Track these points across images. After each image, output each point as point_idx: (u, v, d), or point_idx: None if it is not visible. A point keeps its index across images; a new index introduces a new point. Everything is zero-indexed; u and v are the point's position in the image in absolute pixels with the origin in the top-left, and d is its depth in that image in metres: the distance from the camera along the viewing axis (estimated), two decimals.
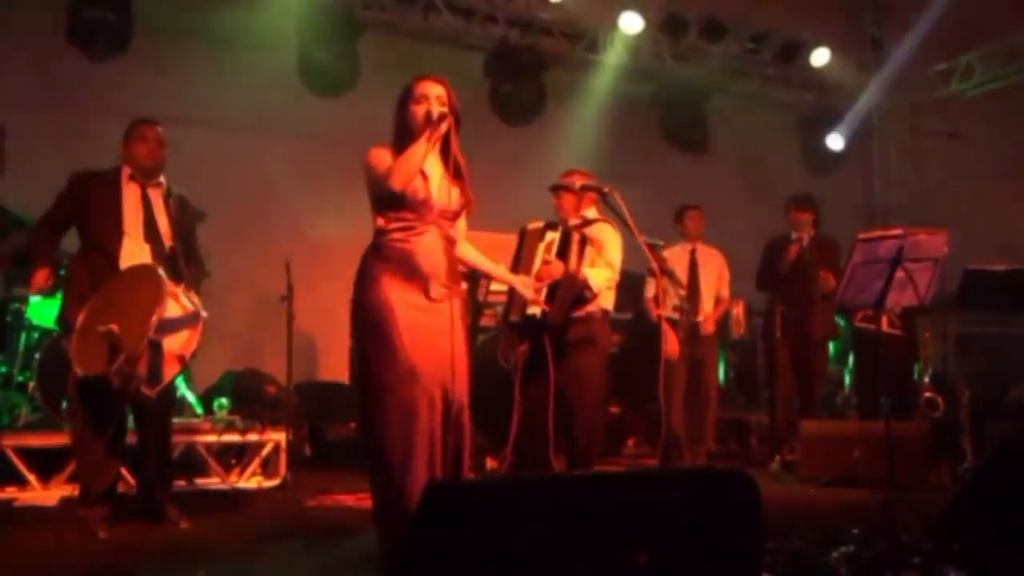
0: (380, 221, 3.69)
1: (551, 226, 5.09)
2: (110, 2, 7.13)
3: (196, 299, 4.34)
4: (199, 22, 7.76)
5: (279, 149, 7.98)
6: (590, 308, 5.08)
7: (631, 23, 8.88)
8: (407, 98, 3.70)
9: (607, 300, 5.18)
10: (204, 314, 4.28)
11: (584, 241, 4.97)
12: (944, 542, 3.64)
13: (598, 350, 5.12)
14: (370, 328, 3.59)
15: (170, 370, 4.19)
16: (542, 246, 5.05)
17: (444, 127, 3.62)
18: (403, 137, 3.66)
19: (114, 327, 4.03)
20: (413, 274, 3.61)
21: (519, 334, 5.14)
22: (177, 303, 4.20)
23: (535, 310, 4.90)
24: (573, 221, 5.16)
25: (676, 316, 6.53)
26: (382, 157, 3.65)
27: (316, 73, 7.90)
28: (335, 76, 7.91)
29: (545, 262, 4.95)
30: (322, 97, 7.98)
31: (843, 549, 3.73)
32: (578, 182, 5.13)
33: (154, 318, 4.01)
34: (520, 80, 8.75)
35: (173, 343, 4.19)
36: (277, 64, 7.83)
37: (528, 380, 5.05)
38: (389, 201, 3.63)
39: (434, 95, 3.66)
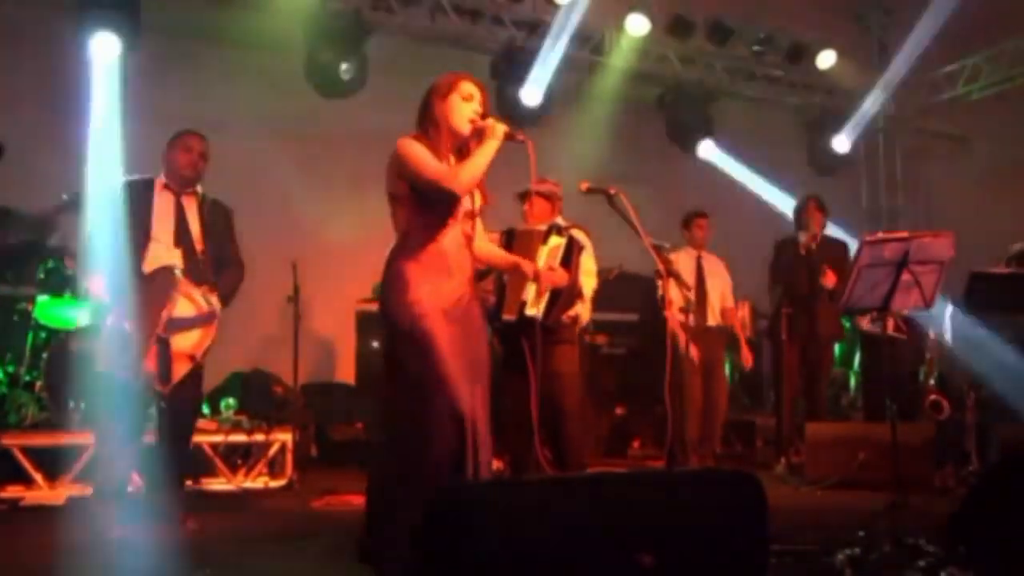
0: (411, 220, 3.53)
1: (556, 230, 5.11)
2: (118, 3, 7.15)
3: (215, 300, 4.41)
4: (206, 23, 7.78)
5: (286, 150, 8.00)
6: (570, 312, 5.20)
7: (637, 25, 8.87)
8: (448, 90, 3.60)
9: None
10: (218, 314, 4.36)
11: (580, 249, 5.04)
12: (951, 545, 3.64)
13: (575, 348, 5.29)
14: (408, 333, 3.43)
15: (180, 368, 4.25)
16: (545, 249, 5.07)
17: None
18: (434, 129, 3.57)
19: (127, 325, 4.12)
20: (443, 274, 3.51)
21: (502, 334, 5.17)
22: (191, 303, 4.27)
23: (535, 311, 4.94)
24: (541, 226, 5.21)
25: (682, 317, 6.54)
26: (426, 154, 3.50)
27: (323, 75, 7.91)
28: (342, 78, 7.92)
29: (550, 268, 4.99)
30: (329, 99, 8.00)
31: (848, 551, 3.72)
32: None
33: (163, 316, 4.09)
34: (526, 82, 8.75)
35: (183, 342, 4.25)
36: (284, 65, 7.85)
37: (508, 381, 5.09)
38: (425, 201, 3.50)
39: (478, 98, 3.62)
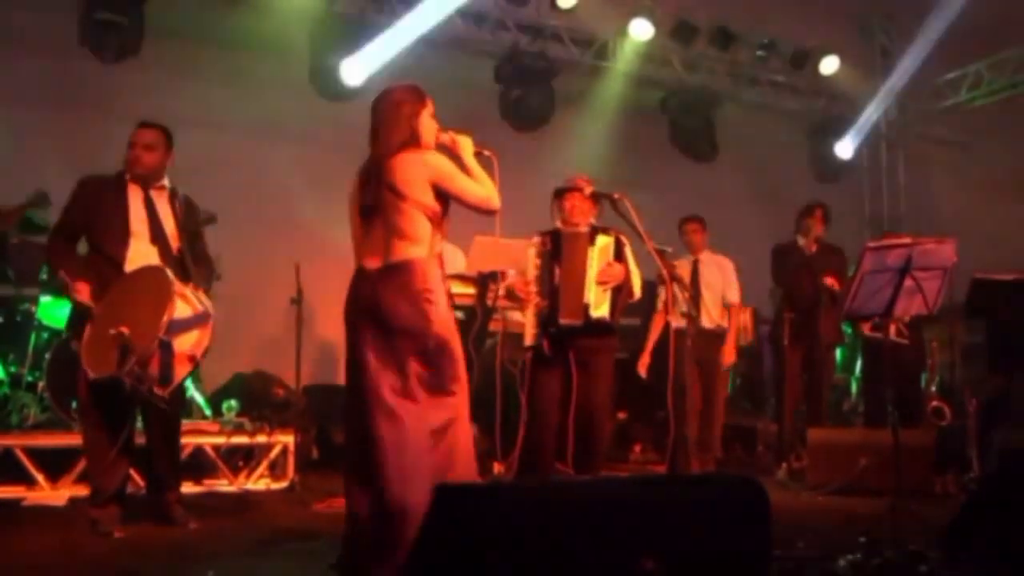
0: (431, 231, 3.56)
1: (600, 231, 5.13)
2: (122, 5, 7.17)
3: (205, 299, 4.36)
4: (210, 26, 7.78)
5: (289, 153, 8.01)
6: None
7: (641, 30, 8.90)
8: (422, 107, 3.63)
9: None
10: (212, 312, 4.31)
11: (624, 246, 5.13)
12: (952, 551, 3.64)
13: (614, 351, 5.30)
14: (454, 348, 3.58)
15: (181, 370, 4.21)
16: (596, 249, 5.09)
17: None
18: (415, 145, 3.58)
19: (124, 329, 4.03)
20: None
21: (553, 337, 5.12)
22: (186, 303, 4.22)
23: (602, 312, 4.96)
24: (584, 227, 5.20)
25: (684, 323, 6.53)
26: (459, 173, 3.60)
27: (326, 77, 7.92)
28: (345, 80, 7.93)
29: (609, 264, 5.02)
30: (332, 101, 8.00)
31: (850, 557, 3.72)
32: (587, 189, 5.17)
33: (164, 318, 4.03)
34: (530, 86, 8.78)
35: (184, 343, 4.20)
36: (288, 68, 7.87)
37: (537, 384, 5.08)
38: (443, 215, 3.59)
39: None
